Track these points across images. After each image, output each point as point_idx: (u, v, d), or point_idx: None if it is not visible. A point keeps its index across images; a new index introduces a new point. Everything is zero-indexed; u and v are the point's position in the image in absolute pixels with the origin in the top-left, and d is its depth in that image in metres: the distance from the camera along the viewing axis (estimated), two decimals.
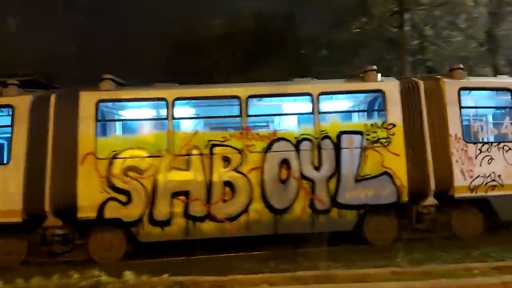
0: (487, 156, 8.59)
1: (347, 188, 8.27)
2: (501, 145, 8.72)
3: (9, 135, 8.19)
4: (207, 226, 8.10)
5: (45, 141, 8.02)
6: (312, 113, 8.45)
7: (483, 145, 8.66)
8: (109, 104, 8.63)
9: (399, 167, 8.33)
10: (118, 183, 8.00)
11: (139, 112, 9.10)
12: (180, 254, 7.94)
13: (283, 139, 8.34)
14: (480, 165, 8.54)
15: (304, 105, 8.75)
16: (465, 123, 8.83)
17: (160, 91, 8.48)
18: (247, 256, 7.60)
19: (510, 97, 8.97)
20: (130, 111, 9.23)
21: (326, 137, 8.36)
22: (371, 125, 8.47)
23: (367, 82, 8.77)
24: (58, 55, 20.35)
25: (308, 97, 8.54)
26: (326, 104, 8.81)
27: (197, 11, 20.61)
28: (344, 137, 8.37)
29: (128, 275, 5.20)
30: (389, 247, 7.58)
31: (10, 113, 8.15)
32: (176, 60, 20.12)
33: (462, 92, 8.76)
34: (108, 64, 19.09)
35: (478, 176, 8.50)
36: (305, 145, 8.33)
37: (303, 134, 8.37)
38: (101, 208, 7.91)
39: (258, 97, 8.62)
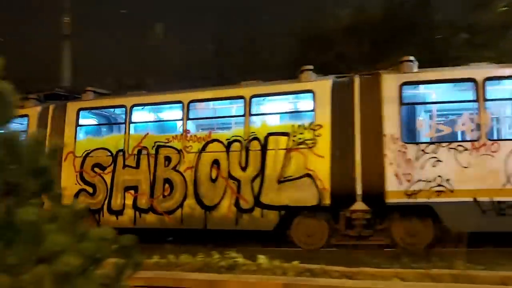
0: (432, 157, 7.58)
1: (269, 188, 8.32)
2: (454, 145, 7.57)
3: None
4: (150, 218, 9.07)
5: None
6: (243, 115, 8.71)
7: (427, 146, 7.65)
8: (90, 111, 10.23)
9: (322, 169, 8.04)
10: (87, 177, 9.53)
11: (108, 117, 10.61)
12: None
13: (216, 140, 8.79)
14: (422, 168, 7.59)
15: (239, 108, 9.07)
16: (408, 121, 7.95)
17: (120, 99, 9.80)
18: (375, 252, 7.45)
19: (474, 88, 7.67)
20: (102, 117, 10.74)
21: (255, 138, 8.52)
22: (298, 126, 8.31)
23: (299, 83, 8.61)
24: (199, 56, 22.92)
25: (241, 100, 8.82)
26: (259, 106, 8.96)
27: (324, 4, 20.71)
28: (271, 138, 8.42)
29: (262, 259, 5.48)
30: None
31: (27, 121, 10.20)
32: (303, 54, 19.57)
33: (405, 87, 7.90)
34: (240, 63, 20.89)
35: (419, 180, 7.57)
36: (235, 146, 8.63)
37: (234, 136, 8.70)
38: (75, 197, 9.47)
39: (198, 101, 9.26)
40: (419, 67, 8.28)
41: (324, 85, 8.35)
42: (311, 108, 8.39)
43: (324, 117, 8.18)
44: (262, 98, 8.91)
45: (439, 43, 17.68)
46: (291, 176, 8.21)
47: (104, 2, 25.00)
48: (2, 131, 1.61)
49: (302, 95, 8.79)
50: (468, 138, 7.79)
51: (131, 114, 9.48)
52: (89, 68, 20.49)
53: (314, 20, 20.33)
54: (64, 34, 17.13)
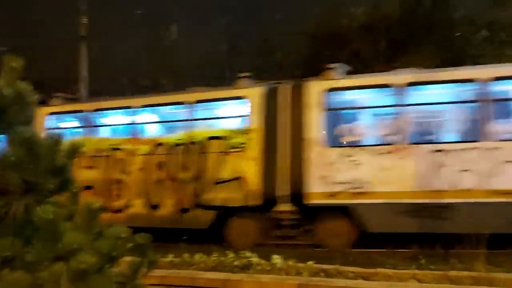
0: (353, 160, 8.01)
1: (207, 189, 8.91)
2: (374, 148, 8.07)
3: None
4: (105, 216, 9.14)
5: None
6: (187, 120, 9.35)
7: (349, 149, 8.20)
8: (58, 116, 10.67)
9: (252, 171, 8.63)
10: None
11: (73, 121, 11.13)
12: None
13: (163, 143, 9.40)
14: (343, 171, 8.03)
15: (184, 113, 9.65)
16: (330, 125, 8.51)
17: (82, 105, 10.52)
18: (390, 253, 7.24)
19: (395, 94, 8.13)
20: (68, 121, 11.25)
21: (196, 142, 9.11)
22: (234, 130, 8.95)
23: (235, 89, 9.25)
24: (213, 57, 23.22)
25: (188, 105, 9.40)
26: (201, 111, 9.52)
27: (338, 2, 19.65)
28: (209, 142, 9.00)
29: (276, 259, 5.51)
30: None
31: None
32: (316, 53, 19.61)
33: (328, 93, 8.43)
34: (253, 62, 20.89)
35: (339, 182, 8.03)
36: (178, 149, 9.22)
37: (178, 139, 9.30)
38: None
39: (148, 107, 9.89)
40: (437, 66, 8.31)
41: (257, 92, 9.00)
42: (245, 114, 9.06)
43: (256, 122, 8.85)
44: (203, 103, 9.50)
45: (458, 41, 17.43)
46: (226, 178, 8.80)
47: (119, 2, 25.34)
48: (22, 131, 1.64)
49: (237, 101, 9.40)
50: (388, 142, 8.16)
51: (91, 118, 10.13)
52: (105, 69, 20.87)
53: (329, 18, 20.15)
54: (81, 36, 17.39)
